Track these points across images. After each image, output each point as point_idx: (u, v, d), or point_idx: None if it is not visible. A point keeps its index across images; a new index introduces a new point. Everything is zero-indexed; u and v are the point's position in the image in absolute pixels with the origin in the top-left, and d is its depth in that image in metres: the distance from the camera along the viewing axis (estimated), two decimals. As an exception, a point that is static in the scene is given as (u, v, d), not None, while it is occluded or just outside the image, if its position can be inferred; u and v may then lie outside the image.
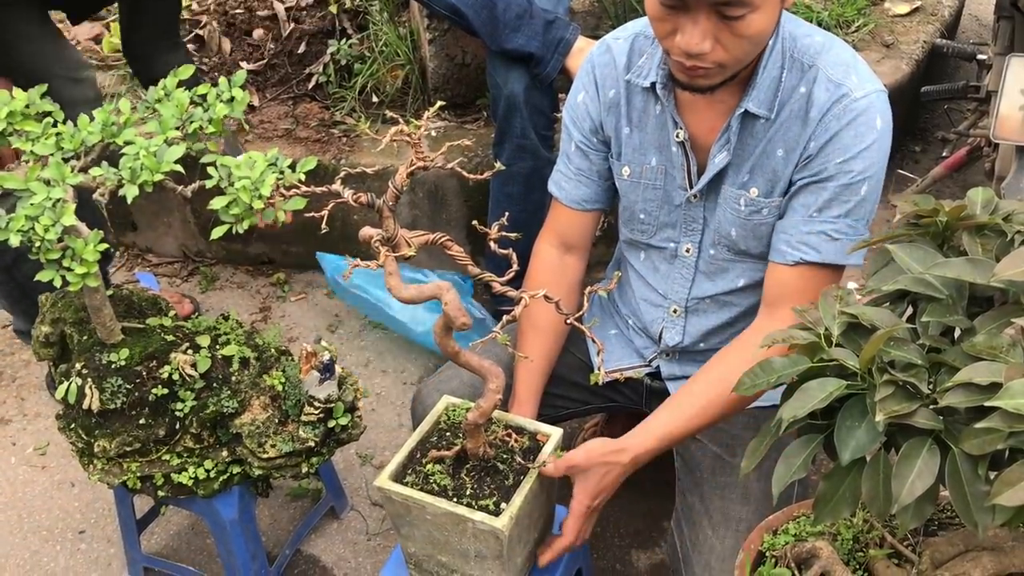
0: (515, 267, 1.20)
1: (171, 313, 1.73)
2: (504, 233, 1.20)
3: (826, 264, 1.43)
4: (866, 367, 0.94)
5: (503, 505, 1.31)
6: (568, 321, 1.20)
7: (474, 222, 1.36)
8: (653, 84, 1.48)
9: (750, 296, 1.59)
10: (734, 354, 1.48)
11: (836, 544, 1.19)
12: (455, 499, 1.32)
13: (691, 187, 1.52)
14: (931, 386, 0.92)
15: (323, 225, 1.11)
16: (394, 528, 1.42)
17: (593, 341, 1.22)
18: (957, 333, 0.98)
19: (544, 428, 1.44)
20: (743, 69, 1.37)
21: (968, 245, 1.01)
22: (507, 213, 1.28)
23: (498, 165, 1.31)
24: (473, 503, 1.32)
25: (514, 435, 1.40)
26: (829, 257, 1.42)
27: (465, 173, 1.21)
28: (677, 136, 1.49)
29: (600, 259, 2.43)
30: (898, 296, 1.02)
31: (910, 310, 1.02)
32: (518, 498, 1.31)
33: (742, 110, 1.42)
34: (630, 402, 1.77)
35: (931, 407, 0.90)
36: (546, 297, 1.16)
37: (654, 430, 1.45)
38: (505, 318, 1.17)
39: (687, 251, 1.59)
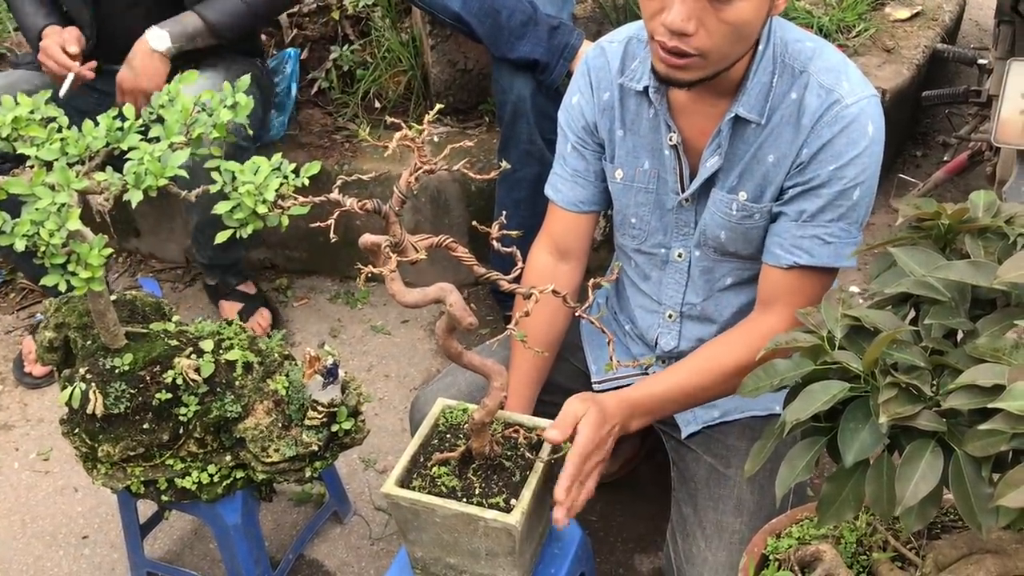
0: (520, 264, 1.21)
1: (174, 318, 1.74)
2: (505, 231, 1.20)
3: (819, 267, 1.45)
4: (869, 369, 0.94)
5: (512, 501, 1.32)
6: (577, 314, 1.21)
7: (473, 222, 1.36)
8: (646, 88, 1.49)
9: (740, 295, 1.60)
10: (725, 345, 1.50)
11: (839, 547, 1.20)
12: (464, 499, 1.33)
13: (683, 191, 1.53)
14: (934, 388, 0.92)
15: (331, 234, 1.12)
16: (400, 534, 1.42)
17: (603, 331, 1.23)
18: (960, 336, 0.98)
19: (542, 423, 1.45)
20: (725, 69, 1.36)
21: (970, 248, 1.02)
22: (504, 213, 1.29)
23: (504, 165, 1.31)
24: (483, 502, 1.33)
25: (522, 431, 1.41)
26: (822, 260, 1.44)
27: (472, 173, 1.21)
28: (670, 140, 1.50)
29: (602, 264, 2.43)
30: (901, 299, 1.03)
31: (913, 313, 1.03)
32: (527, 492, 1.32)
33: (733, 114, 1.43)
34: None
35: (934, 409, 0.91)
36: (554, 292, 1.16)
37: (646, 387, 1.50)
38: (517, 315, 1.17)
39: (679, 256, 1.59)
